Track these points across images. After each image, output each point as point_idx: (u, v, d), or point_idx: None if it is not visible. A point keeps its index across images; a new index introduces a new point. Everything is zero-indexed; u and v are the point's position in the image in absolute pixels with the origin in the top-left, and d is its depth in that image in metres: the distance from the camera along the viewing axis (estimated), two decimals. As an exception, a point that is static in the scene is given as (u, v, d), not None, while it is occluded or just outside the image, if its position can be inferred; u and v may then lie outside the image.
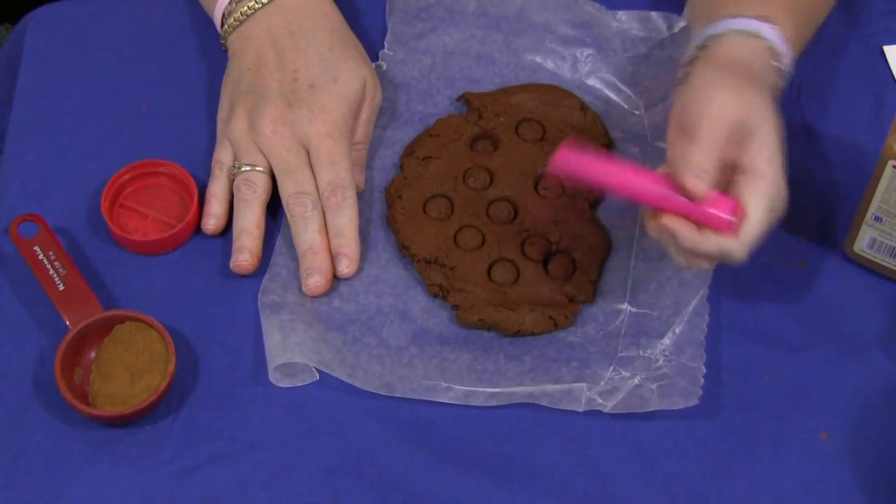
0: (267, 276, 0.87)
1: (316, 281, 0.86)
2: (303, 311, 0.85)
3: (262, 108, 0.89)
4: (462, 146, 0.93)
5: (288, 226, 0.88)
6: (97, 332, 0.84)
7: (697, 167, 0.77)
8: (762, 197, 0.78)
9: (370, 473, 0.81)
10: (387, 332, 0.85)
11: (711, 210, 0.77)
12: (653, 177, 0.80)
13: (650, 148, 0.94)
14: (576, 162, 0.81)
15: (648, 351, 0.84)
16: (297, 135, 0.88)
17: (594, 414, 0.83)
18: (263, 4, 0.92)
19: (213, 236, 0.89)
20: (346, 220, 0.87)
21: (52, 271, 0.86)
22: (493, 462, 0.81)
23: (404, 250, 0.88)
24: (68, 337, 0.83)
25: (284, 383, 0.83)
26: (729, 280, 0.88)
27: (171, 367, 0.82)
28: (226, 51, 0.95)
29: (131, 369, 0.83)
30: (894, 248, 0.86)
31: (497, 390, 0.83)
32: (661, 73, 0.97)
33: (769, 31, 0.85)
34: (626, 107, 0.97)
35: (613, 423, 0.83)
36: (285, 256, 0.88)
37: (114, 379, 0.82)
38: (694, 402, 0.82)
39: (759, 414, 0.83)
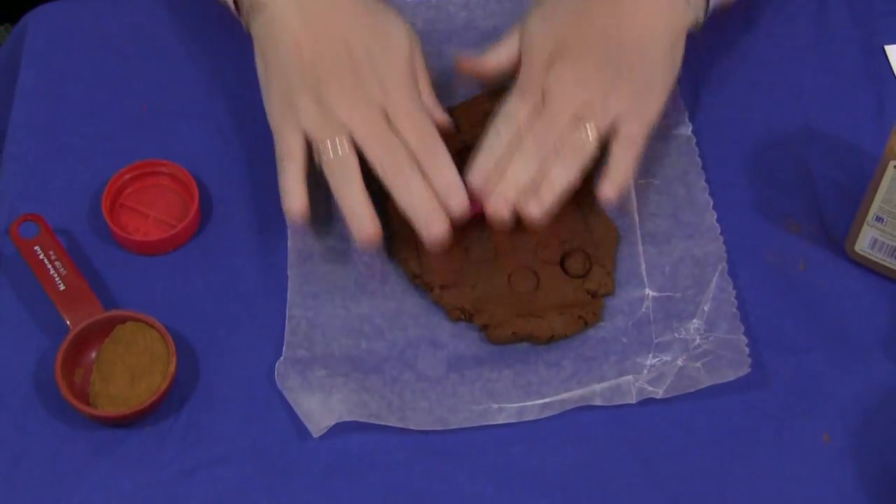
0: (288, 330, 0.85)
1: (438, 228, 0.84)
2: (335, 362, 0.84)
3: (329, 85, 0.87)
4: None
5: (297, 276, 0.87)
6: (98, 333, 0.84)
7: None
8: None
9: (370, 475, 0.81)
10: (422, 364, 0.84)
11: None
12: None
13: None
14: None
15: (683, 332, 0.84)
16: (373, 103, 0.87)
17: (596, 417, 0.82)
18: None
19: (299, 222, 0.86)
20: (443, 165, 0.85)
21: (52, 271, 0.86)
22: (494, 465, 0.81)
23: (416, 280, 0.87)
24: (69, 337, 0.83)
25: (319, 434, 0.81)
26: (730, 279, 0.88)
27: (172, 368, 0.82)
28: (248, 32, 0.92)
29: (132, 370, 0.83)
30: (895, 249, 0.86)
31: (548, 400, 0.83)
32: None
33: None
34: None
35: (613, 425, 0.82)
36: (300, 307, 0.86)
37: (115, 379, 0.82)
38: (745, 370, 0.82)
39: (759, 415, 0.83)
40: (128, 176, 0.91)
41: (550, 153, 0.86)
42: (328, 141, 0.85)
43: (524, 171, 0.85)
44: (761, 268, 0.89)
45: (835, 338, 0.86)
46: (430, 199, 0.84)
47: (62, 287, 0.85)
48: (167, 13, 1.02)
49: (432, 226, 0.84)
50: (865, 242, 0.87)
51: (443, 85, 0.94)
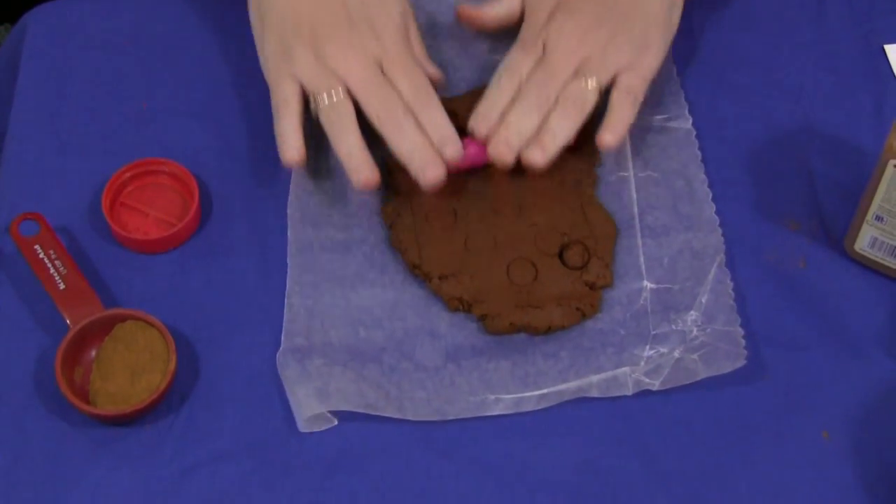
0: (286, 318, 0.85)
1: (434, 172, 0.86)
2: (333, 351, 0.84)
3: (325, 37, 0.89)
4: None
5: (297, 265, 0.87)
6: (98, 331, 0.84)
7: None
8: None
9: (369, 472, 0.81)
10: (420, 354, 0.85)
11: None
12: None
13: None
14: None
15: (680, 324, 0.85)
16: (368, 55, 0.89)
17: (594, 412, 0.83)
18: None
19: (296, 168, 0.89)
20: (437, 113, 0.88)
21: (52, 270, 0.86)
22: (491, 457, 0.81)
23: (416, 269, 0.87)
24: (69, 336, 0.83)
25: (307, 429, 0.82)
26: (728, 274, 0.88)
27: (172, 366, 0.82)
28: None
29: (132, 368, 0.83)
30: (895, 248, 0.86)
31: (545, 391, 0.83)
32: None
33: None
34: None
35: (613, 422, 0.83)
36: (299, 295, 0.86)
37: (114, 378, 0.82)
38: (741, 363, 0.83)
39: (758, 412, 0.83)
40: (128, 174, 0.91)
41: (552, 103, 0.88)
42: (324, 90, 0.88)
43: (526, 118, 0.88)
44: (761, 266, 0.89)
45: (834, 336, 0.86)
46: (426, 144, 0.87)
47: (62, 286, 0.85)
48: (167, 13, 1.02)
49: (428, 170, 0.86)
50: (865, 241, 0.87)
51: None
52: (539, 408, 0.83)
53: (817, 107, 0.97)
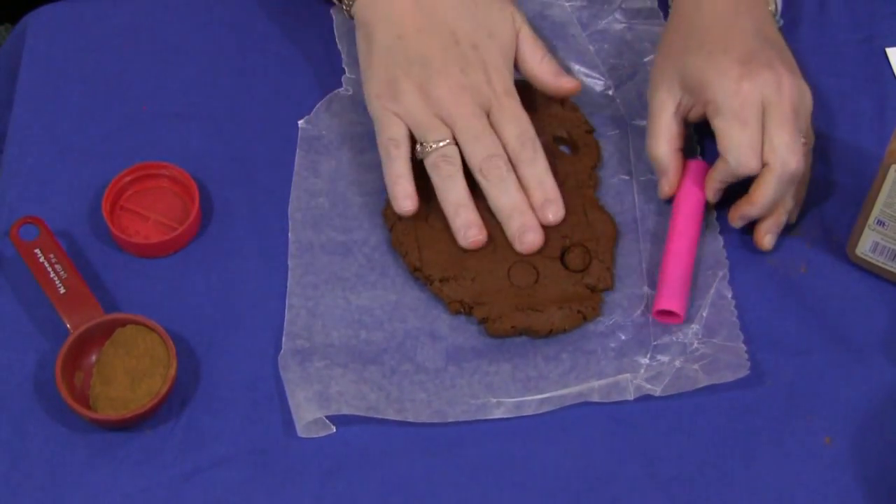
0: (287, 319, 0.85)
1: (532, 238, 0.86)
2: (334, 352, 0.84)
3: (436, 78, 0.87)
4: None
5: (298, 266, 0.87)
6: (98, 336, 0.84)
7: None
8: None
9: (370, 478, 0.81)
10: (421, 356, 0.85)
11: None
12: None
13: (629, 127, 0.95)
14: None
15: (681, 336, 0.85)
16: (478, 100, 0.87)
17: (596, 415, 0.83)
18: None
19: (411, 217, 0.87)
20: (541, 169, 0.87)
21: (52, 274, 0.85)
22: (492, 462, 0.81)
23: (416, 272, 0.87)
24: (69, 340, 0.83)
25: (305, 434, 0.81)
26: (730, 284, 0.88)
27: (173, 371, 0.82)
28: (351, 17, 0.92)
29: (132, 373, 0.83)
30: (897, 252, 0.87)
31: (546, 395, 0.83)
32: (623, 46, 0.98)
33: None
34: (597, 89, 0.97)
35: (615, 426, 0.83)
36: (300, 297, 0.86)
37: (115, 382, 0.82)
38: (744, 372, 0.83)
39: (760, 418, 0.83)
40: (128, 178, 0.91)
41: None
42: (432, 139, 0.86)
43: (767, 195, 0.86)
44: (763, 270, 0.89)
45: (836, 340, 0.86)
46: (526, 206, 0.86)
47: (62, 290, 0.85)
48: (167, 14, 1.02)
49: (526, 236, 0.86)
50: (866, 246, 0.87)
51: None
52: (540, 412, 0.82)
53: (818, 111, 0.96)
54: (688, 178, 0.90)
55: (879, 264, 0.88)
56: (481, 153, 0.86)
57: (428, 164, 0.87)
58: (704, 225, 0.89)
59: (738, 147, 0.84)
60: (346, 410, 0.81)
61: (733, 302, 0.86)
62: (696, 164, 0.90)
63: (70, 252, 0.88)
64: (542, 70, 0.91)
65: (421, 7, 0.89)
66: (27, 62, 1.00)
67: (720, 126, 0.85)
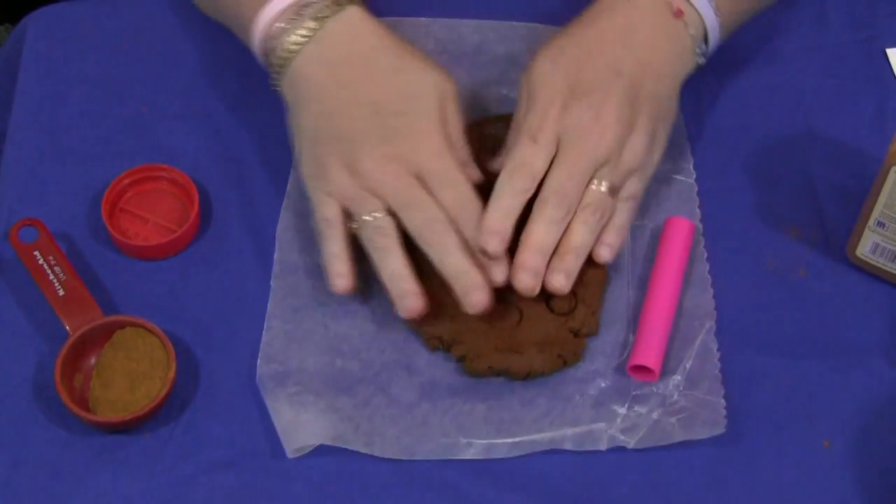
0: (265, 339, 0.85)
1: (480, 297, 0.82)
2: (307, 378, 0.83)
3: (359, 153, 0.84)
4: None
5: (280, 287, 0.86)
6: (97, 338, 0.84)
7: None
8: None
9: (371, 477, 0.80)
10: (395, 389, 0.83)
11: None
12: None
13: None
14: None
15: (661, 387, 0.83)
16: (406, 167, 0.84)
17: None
18: (310, 37, 0.87)
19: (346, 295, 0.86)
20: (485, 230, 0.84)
21: (52, 276, 0.85)
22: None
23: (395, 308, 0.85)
24: (68, 343, 0.83)
25: (294, 455, 0.81)
26: (730, 286, 0.88)
27: (172, 374, 0.82)
28: (276, 89, 0.90)
29: (132, 375, 0.83)
30: (897, 254, 0.87)
31: (518, 440, 0.81)
32: None
33: None
34: None
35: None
36: (279, 319, 0.86)
37: (114, 385, 0.82)
38: (719, 430, 0.81)
39: (759, 421, 0.83)
40: (127, 180, 0.91)
41: (571, 213, 0.84)
42: (364, 212, 0.84)
43: (547, 235, 0.83)
44: (762, 273, 0.89)
45: (835, 343, 0.86)
46: (470, 266, 0.83)
47: (61, 292, 0.85)
48: (167, 15, 1.02)
49: (472, 295, 0.82)
50: (867, 247, 0.87)
51: None
52: (510, 456, 0.81)
53: (819, 111, 0.96)
54: (670, 235, 0.88)
55: (880, 266, 0.88)
56: (416, 220, 0.83)
57: (363, 238, 0.85)
58: (690, 278, 0.88)
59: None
60: (312, 441, 0.80)
61: (718, 354, 0.84)
62: (678, 222, 0.89)
63: (69, 254, 0.88)
64: (458, 156, 0.87)
65: (341, 84, 0.87)
66: (27, 62, 1.00)
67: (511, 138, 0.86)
